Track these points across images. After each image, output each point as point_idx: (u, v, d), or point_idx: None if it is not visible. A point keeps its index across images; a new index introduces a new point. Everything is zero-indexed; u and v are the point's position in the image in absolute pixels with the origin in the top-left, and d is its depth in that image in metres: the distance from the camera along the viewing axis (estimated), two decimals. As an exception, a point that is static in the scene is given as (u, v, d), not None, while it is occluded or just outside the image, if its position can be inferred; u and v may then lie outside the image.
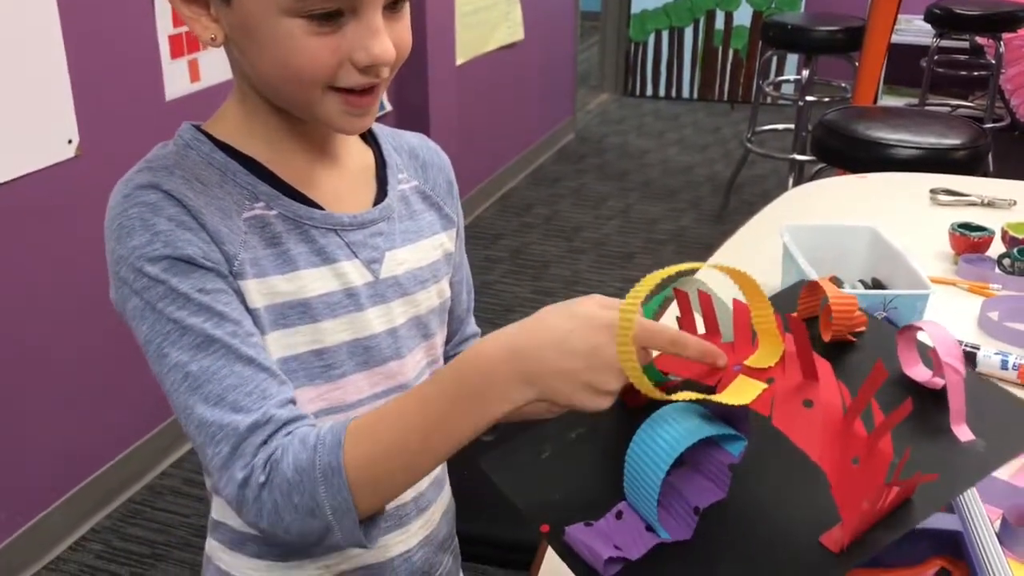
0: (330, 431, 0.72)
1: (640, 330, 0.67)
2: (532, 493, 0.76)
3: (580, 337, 0.67)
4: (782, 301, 0.89)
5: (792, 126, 4.11)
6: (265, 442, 0.72)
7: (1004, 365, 1.23)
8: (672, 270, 0.72)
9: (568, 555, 0.70)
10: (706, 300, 0.79)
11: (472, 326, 1.06)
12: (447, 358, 1.04)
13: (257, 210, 0.80)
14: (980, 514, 0.92)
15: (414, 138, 0.97)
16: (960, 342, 1.27)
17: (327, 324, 0.82)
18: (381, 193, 0.89)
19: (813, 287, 0.88)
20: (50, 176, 1.96)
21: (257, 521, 0.73)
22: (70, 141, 1.99)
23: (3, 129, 1.85)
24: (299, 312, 0.81)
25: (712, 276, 0.76)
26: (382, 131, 0.94)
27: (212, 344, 0.74)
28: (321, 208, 0.83)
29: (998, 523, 0.94)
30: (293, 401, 0.76)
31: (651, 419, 0.69)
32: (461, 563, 1.05)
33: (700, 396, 0.69)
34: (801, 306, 0.89)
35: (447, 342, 1.03)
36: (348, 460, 0.70)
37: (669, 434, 0.67)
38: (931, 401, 0.76)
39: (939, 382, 0.78)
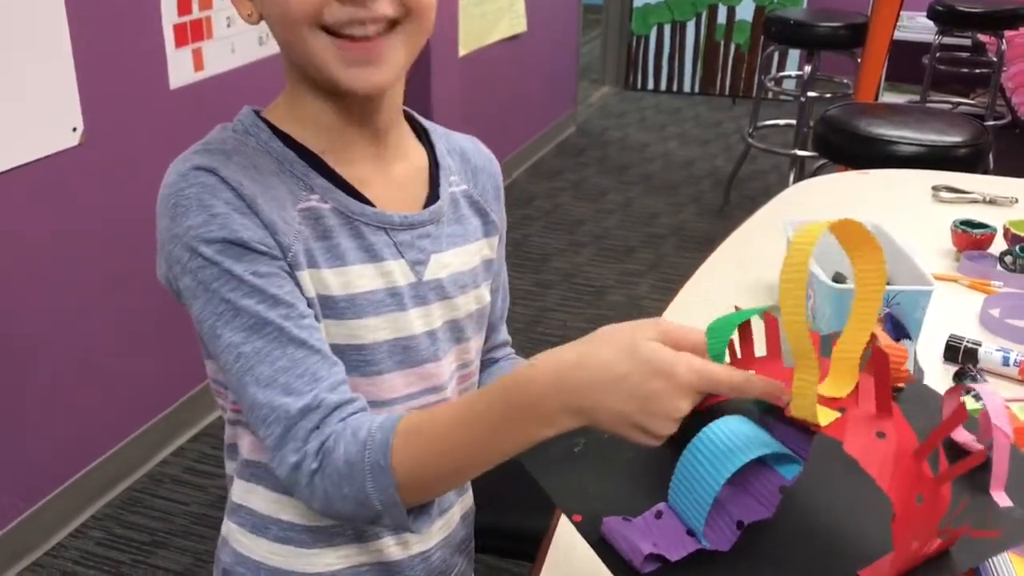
0: (380, 428, 0.73)
1: (699, 379, 0.64)
2: (565, 484, 0.75)
3: (636, 383, 0.64)
4: (827, 344, 0.88)
5: (794, 122, 4.12)
6: (317, 427, 0.73)
7: (1005, 361, 1.24)
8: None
9: (602, 547, 0.70)
10: (771, 322, 0.76)
11: (503, 333, 1.06)
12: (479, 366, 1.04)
13: (312, 202, 0.81)
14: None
15: (466, 141, 0.97)
16: (961, 339, 1.28)
17: (370, 321, 0.82)
18: (432, 195, 0.89)
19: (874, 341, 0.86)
20: (54, 164, 1.96)
21: (310, 502, 0.75)
22: (75, 129, 1.99)
23: (7, 116, 1.85)
24: (344, 307, 0.81)
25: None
26: (436, 131, 0.94)
27: (265, 326, 0.74)
28: (373, 205, 0.83)
29: (999, 518, 0.95)
30: (344, 383, 0.77)
31: (716, 424, 0.67)
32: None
33: (810, 413, 0.67)
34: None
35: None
36: (396, 462, 0.71)
37: (734, 439, 0.66)
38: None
39: (978, 446, 0.77)
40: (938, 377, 1.25)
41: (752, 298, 1.46)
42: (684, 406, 0.64)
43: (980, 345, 1.27)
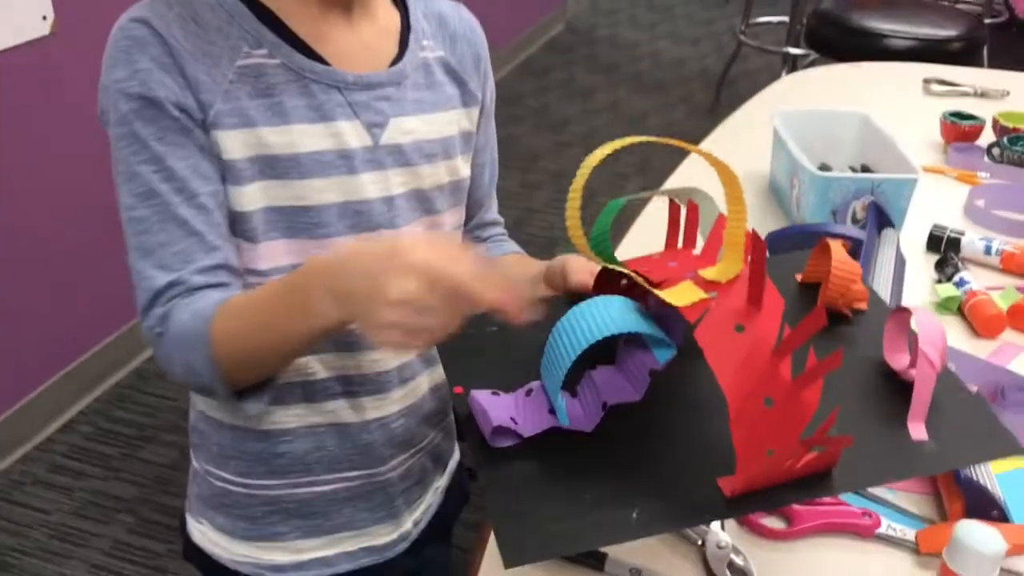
0: (213, 303, 0.75)
1: (425, 265, 0.62)
2: (460, 357, 0.75)
3: (368, 261, 0.65)
4: (793, 263, 0.85)
5: (787, 19, 4.03)
6: (170, 300, 0.76)
7: (988, 250, 1.24)
8: (618, 144, 0.68)
9: (469, 422, 0.69)
10: (692, 210, 0.75)
11: (493, 212, 1.04)
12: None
13: (257, 58, 0.79)
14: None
15: (447, 7, 0.93)
16: (944, 228, 1.28)
17: (315, 182, 0.81)
18: (400, 58, 0.86)
19: (824, 248, 0.82)
20: (24, 53, 1.90)
21: (161, 367, 0.78)
22: (44, 17, 1.93)
23: (-26, 3, 1.79)
24: (287, 166, 0.80)
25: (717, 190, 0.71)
26: None
27: (153, 197, 0.76)
28: (326, 63, 0.81)
29: (973, 399, 0.96)
30: (221, 268, 0.78)
31: (587, 302, 0.66)
32: (458, 443, 1.06)
33: (641, 281, 0.66)
34: (809, 269, 0.84)
35: (464, 224, 1.02)
36: (215, 333, 0.74)
37: (597, 317, 0.65)
38: (899, 392, 0.70)
39: (911, 375, 0.72)
40: (920, 266, 1.25)
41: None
42: (405, 285, 0.62)
43: (963, 234, 1.26)
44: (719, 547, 0.80)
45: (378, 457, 0.92)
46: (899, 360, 0.75)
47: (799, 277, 0.84)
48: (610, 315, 0.66)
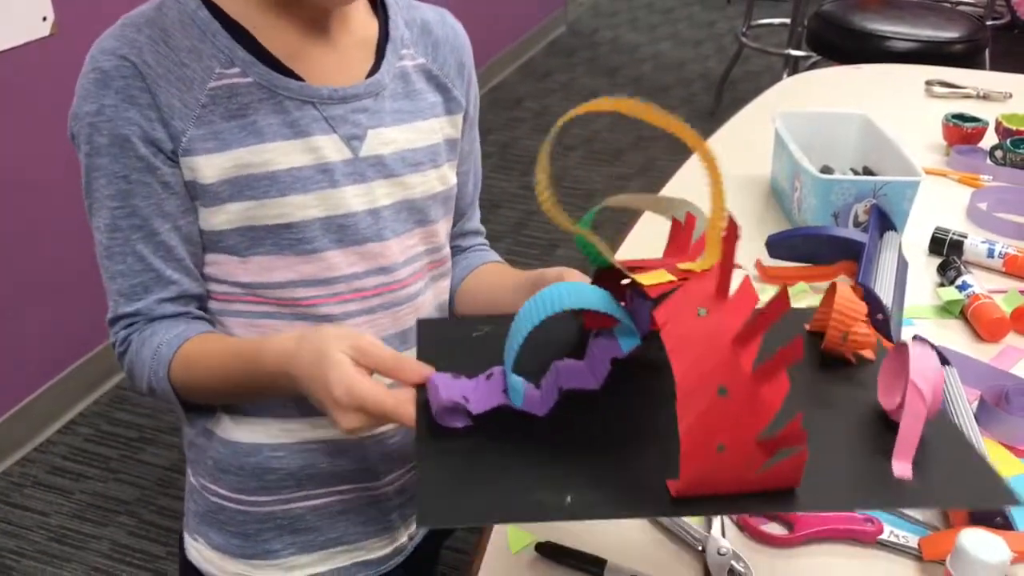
0: (167, 344, 0.81)
1: (351, 401, 0.68)
2: (435, 351, 0.73)
3: (314, 390, 0.71)
4: (805, 315, 0.80)
5: (788, 20, 4.02)
6: (131, 324, 0.82)
7: (991, 253, 1.23)
8: (581, 110, 0.66)
9: (424, 407, 0.67)
10: (679, 223, 0.72)
11: (475, 222, 1.03)
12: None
13: (229, 78, 0.78)
14: (959, 394, 0.93)
15: (431, 12, 0.92)
16: (947, 231, 1.27)
17: (296, 199, 0.80)
18: (377, 68, 0.85)
19: (832, 292, 0.77)
20: (25, 54, 1.90)
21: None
22: (45, 18, 1.93)
23: (-26, 4, 1.78)
24: (265, 185, 0.79)
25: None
26: (396, 2, 0.89)
27: (115, 231, 0.80)
28: (301, 79, 0.80)
29: (976, 404, 0.95)
30: (177, 300, 0.83)
31: (555, 284, 0.65)
32: None
33: (619, 266, 0.65)
34: (817, 316, 0.78)
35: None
36: (173, 374, 0.81)
37: (559, 293, 0.64)
38: (893, 432, 0.65)
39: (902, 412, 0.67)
40: (922, 269, 1.24)
41: (738, 193, 1.44)
42: (344, 421, 0.69)
43: (966, 237, 1.26)
44: (720, 553, 0.79)
45: (373, 472, 0.92)
46: (892, 400, 0.69)
47: (807, 326, 0.79)
48: (571, 291, 0.64)
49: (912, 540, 0.81)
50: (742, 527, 0.83)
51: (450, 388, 0.66)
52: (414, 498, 0.98)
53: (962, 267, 1.20)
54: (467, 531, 1.12)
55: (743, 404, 0.57)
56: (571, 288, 0.64)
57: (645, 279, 0.62)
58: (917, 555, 0.80)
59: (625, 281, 0.72)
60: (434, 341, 0.76)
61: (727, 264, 0.60)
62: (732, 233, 0.60)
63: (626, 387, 0.68)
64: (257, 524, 0.91)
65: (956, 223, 1.34)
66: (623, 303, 0.69)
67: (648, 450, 0.63)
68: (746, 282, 0.62)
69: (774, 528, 0.82)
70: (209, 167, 0.78)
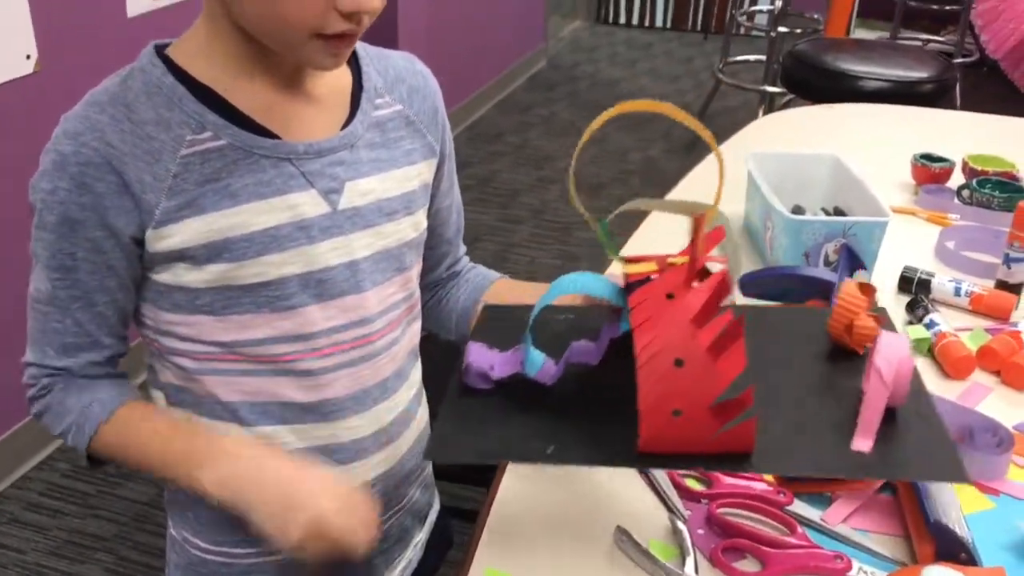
0: (100, 404, 0.84)
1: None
2: (487, 327, 0.88)
3: (280, 495, 0.79)
4: (822, 316, 0.89)
5: (764, 57, 4.10)
6: (54, 375, 0.85)
7: (957, 292, 1.26)
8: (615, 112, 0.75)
9: (459, 368, 0.80)
10: (700, 223, 0.79)
11: (462, 249, 1.06)
12: (440, 282, 1.03)
13: (202, 143, 0.78)
14: (925, 432, 0.95)
15: (402, 60, 0.93)
16: (916, 270, 1.30)
17: (273, 257, 0.80)
18: (352, 118, 0.85)
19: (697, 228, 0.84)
20: (8, 91, 1.91)
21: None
22: (28, 56, 1.94)
23: (-42, 42, 1.80)
24: (242, 247, 0.79)
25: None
26: (367, 52, 0.90)
27: (54, 299, 0.82)
28: (275, 136, 0.80)
29: (942, 441, 0.98)
30: (103, 363, 0.86)
31: (572, 274, 0.77)
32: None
33: (617, 257, 0.76)
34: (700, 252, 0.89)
35: (437, 267, 1.02)
36: (95, 442, 0.84)
37: (572, 280, 0.76)
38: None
39: (877, 394, 0.73)
40: (892, 307, 1.27)
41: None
42: (301, 542, 0.77)
43: (933, 276, 1.29)
44: (693, 590, 0.80)
45: None
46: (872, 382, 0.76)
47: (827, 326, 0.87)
48: (575, 280, 0.76)
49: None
50: (715, 564, 0.84)
51: (480, 356, 0.79)
52: (400, 541, 1.00)
53: (930, 305, 1.23)
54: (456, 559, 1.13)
55: (698, 375, 0.67)
56: (575, 278, 0.77)
57: (630, 268, 0.73)
58: (885, 591, 0.82)
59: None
60: (488, 320, 0.91)
61: (696, 257, 0.70)
62: (698, 228, 0.71)
63: (623, 363, 0.76)
64: None
65: (925, 261, 1.37)
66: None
67: (626, 413, 0.71)
68: (722, 274, 0.71)
69: (747, 566, 0.84)
70: (185, 233, 0.78)
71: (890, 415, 0.74)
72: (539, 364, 0.77)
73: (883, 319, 0.85)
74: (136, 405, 0.86)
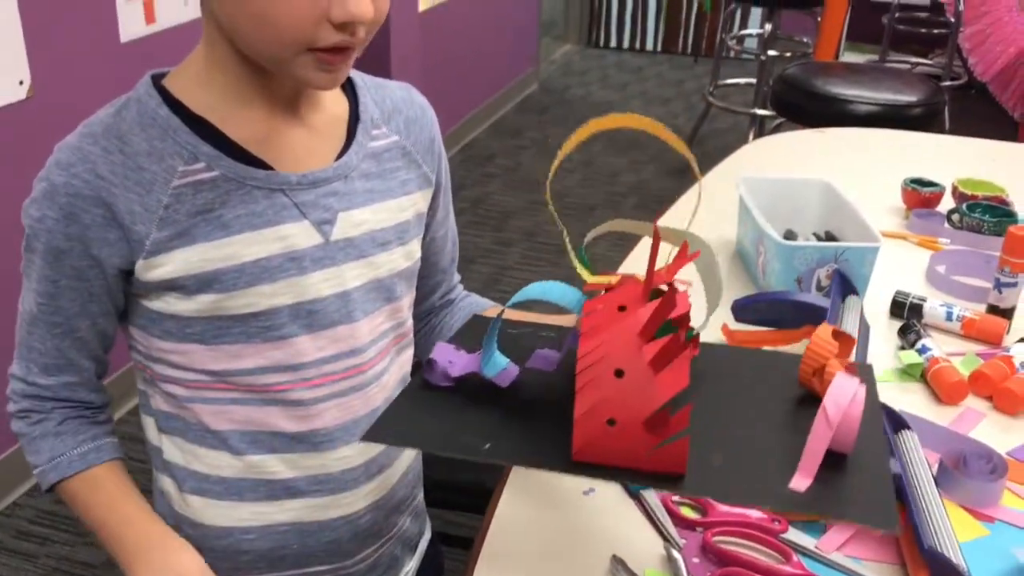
0: (68, 461, 0.87)
1: None
2: (465, 333, 0.90)
3: None
4: (793, 361, 0.88)
5: (754, 80, 4.13)
6: (35, 397, 0.87)
7: (949, 316, 1.27)
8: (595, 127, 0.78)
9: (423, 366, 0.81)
10: (656, 245, 0.79)
11: (456, 278, 1.06)
12: (434, 310, 1.04)
13: (194, 174, 0.78)
14: (919, 457, 0.95)
15: (399, 90, 0.93)
16: (907, 294, 1.31)
17: (264, 288, 0.80)
18: (347, 148, 0.85)
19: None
20: (1, 117, 1.92)
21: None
22: (21, 82, 1.95)
23: (-49, 68, 1.80)
24: (232, 278, 0.79)
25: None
26: (364, 81, 0.90)
27: (37, 320, 0.84)
28: (268, 167, 0.80)
29: (935, 467, 0.98)
30: (84, 386, 0.88)
31: (533, 284, 0.78)
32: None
33: (593, 279, 0.77)
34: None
35: (431, 295, 1.03)
36: (60, 488, 0.88)
37: (528, 288, 0.77)
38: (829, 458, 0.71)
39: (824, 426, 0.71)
40: (884, 332, 1.27)
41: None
42: None
43: (925, 301, 1.29)
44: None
45: (344, 552, 0.92)
46: (830, 409, 0.74)
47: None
48: (541, 288, 0.77)
49: (875, 605, 0.82)
50: (710, 593, 0.84)
51: (443, 354, 0.80)
52: (390, 570, 0.99)
53: (922, 330, 1.23)
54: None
55: (637, 387, 0.66)
56: (545, 285, 0.77)
57: (591, 278, 0.76)
58: (881, 620, 0.82)
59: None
60: (467, 326, 0.93)
61: (650, 277, 0.72)
62: (655, 246, 0.72)
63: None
64: None
65: (916, 286, 1.38)
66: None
67: (570, 421, 0.71)
68: (681, 294, 0.72)
69: (741, 594, 0.84)
70: (176, 263, 0.78)
71: (840, 460, 0.72)
72: (500, 366, 0.78)
73: (855, 370, 0.81)
74: (109, 473, 0.90)
